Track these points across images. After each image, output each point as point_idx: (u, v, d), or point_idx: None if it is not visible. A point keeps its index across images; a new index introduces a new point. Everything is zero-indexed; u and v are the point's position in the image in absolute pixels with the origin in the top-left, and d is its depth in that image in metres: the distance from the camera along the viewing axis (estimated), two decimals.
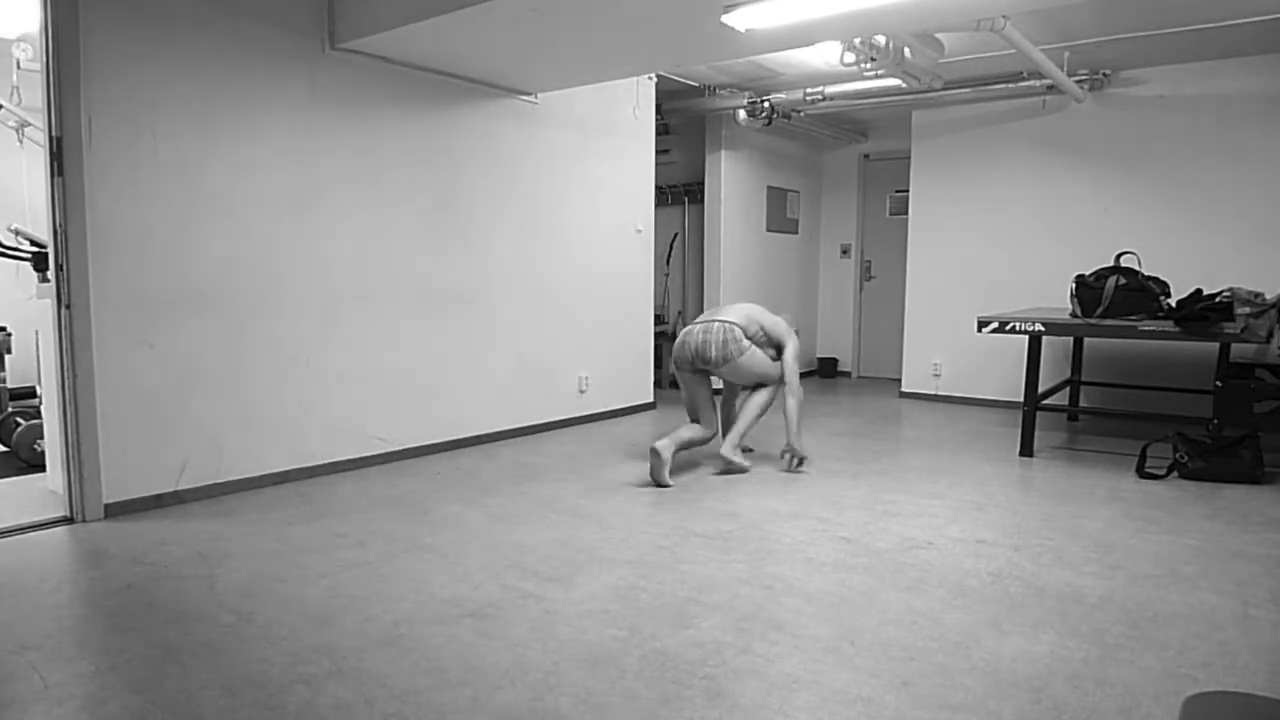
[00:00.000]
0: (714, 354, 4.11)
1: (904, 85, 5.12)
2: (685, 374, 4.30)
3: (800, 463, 4.28)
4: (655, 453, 3.96)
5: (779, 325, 4.34)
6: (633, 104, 5.87)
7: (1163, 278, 4.74)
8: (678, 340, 4.29)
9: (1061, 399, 5.68)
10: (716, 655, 2.24)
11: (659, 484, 3.98)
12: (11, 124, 5.05)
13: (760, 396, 4.25)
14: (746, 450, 4.57)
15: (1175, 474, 4.16)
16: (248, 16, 3.74)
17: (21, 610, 2.53)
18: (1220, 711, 1.33)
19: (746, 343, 4.14)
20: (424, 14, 3.61)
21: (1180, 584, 2.77)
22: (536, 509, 3.62)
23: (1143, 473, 4.19)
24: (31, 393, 5.03)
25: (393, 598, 2.64)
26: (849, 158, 8.01)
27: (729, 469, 4.20)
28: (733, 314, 4.25)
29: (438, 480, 4.13)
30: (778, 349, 4.32)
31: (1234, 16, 4.52)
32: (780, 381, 4.25)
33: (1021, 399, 4.79)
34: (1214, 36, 4.89)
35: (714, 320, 4.21)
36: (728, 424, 4.49)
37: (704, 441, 4.25)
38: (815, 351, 8.29)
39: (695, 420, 4.31)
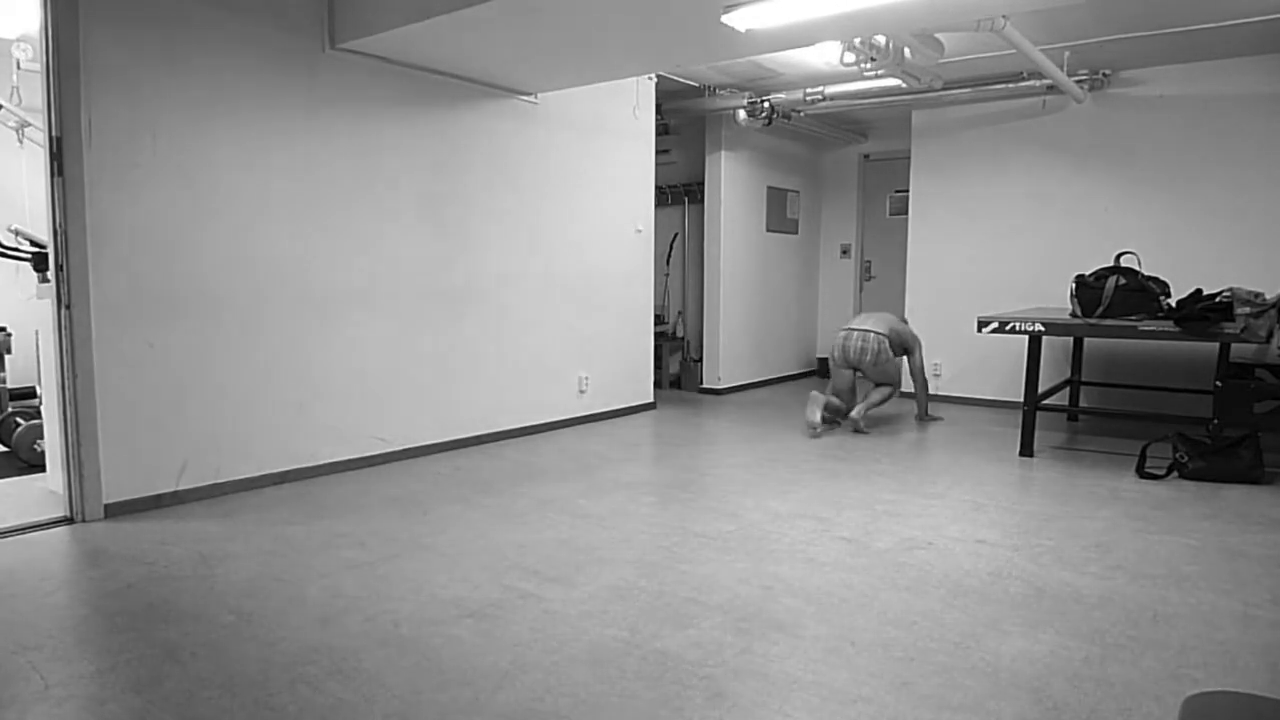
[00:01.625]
0: (868, 360, 5.32)
1: (904, 85, 5.12)
2: (839, 368, 5.50)
3: (931, 420, 5.77)
4: (812, 398, 5.30)
5: (908, 334, 5.55)
6: (633, 104, 5.87)
7: (1163, 278, 4.74)
8: (837, 344, 5.47)
9: (1061, 399, 5.68)
10: (716, 655, 2.24)
11: (810, 424, 5.24)
12: (11, 124, 5.05)
13: (885, 390, 5.45)
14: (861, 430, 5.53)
15: (1175, 474, 4.16)
16: (248, 16, 3.74)
17: (21, 610, 2.53)
18: (1220, 711, 1.33)
19: (890, 353, 5.35)
20: (424, 14, 3.61)
21: (1180, 584, 2.77)
22: (536, 509, 3.62)
23: (1143, 473, 4.19)
24: (31, 393, 5.03)
25: (393, 598, 2.64)
26: (849, 158, 8.01)
27: (856, 429, 5.34)
28: (882, 326, 5.40)
29: (438, 480, 4.13)
30: (905, 352, 5.54)
31: (1234, 16, 4.52)
32: (897, 385, 5.51)
33: (1021, 399, 4.79)
34: (1214, 36, 4.89)
35: (869, 332, 5.35)
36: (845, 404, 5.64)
37: (844, 412, 5.51)
38: (815, 351, 8.30)
39: (838, 397, 5.55)
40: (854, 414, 5.35)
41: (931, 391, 6.69)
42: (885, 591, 2.70)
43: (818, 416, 5.24)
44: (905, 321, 5.70)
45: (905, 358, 5.60)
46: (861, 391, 5.60)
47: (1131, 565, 2.94)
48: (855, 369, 5.45)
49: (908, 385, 5.87)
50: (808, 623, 2.45)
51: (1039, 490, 3.97)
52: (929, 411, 5.85)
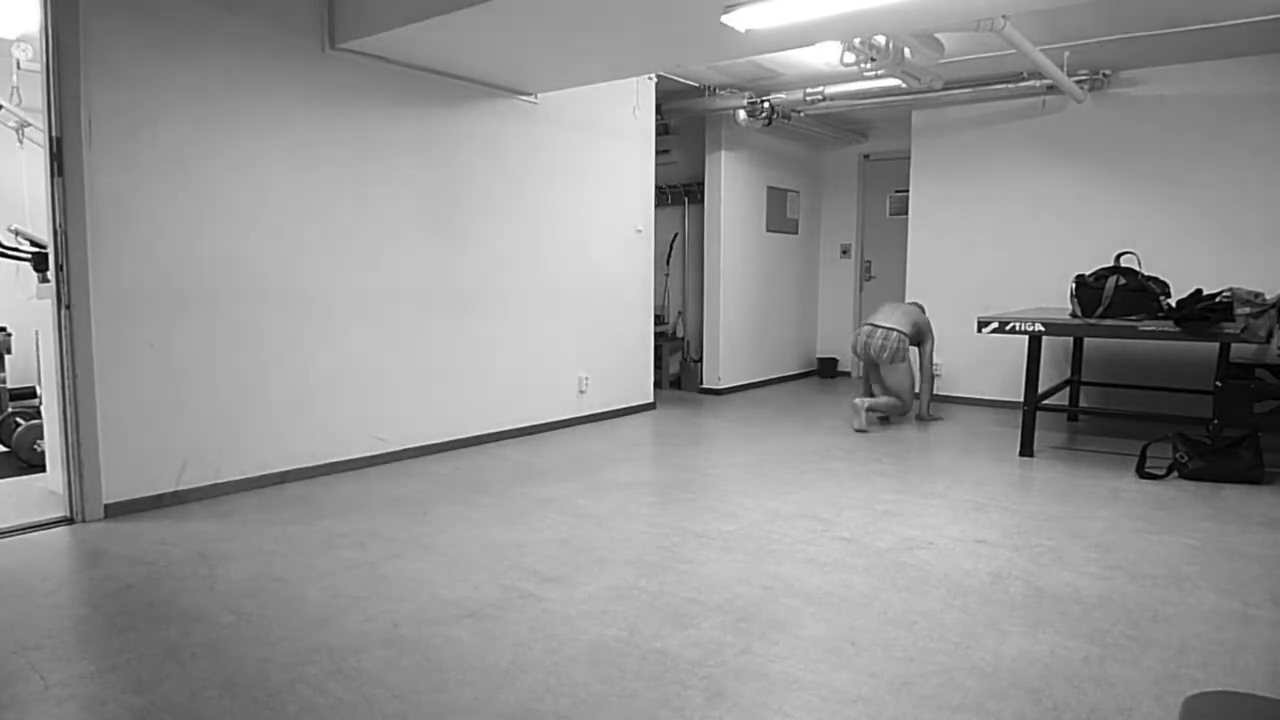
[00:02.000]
0: (885, 356, 5.47)
1: (904, 85, 5.12)
2: (863, 363, 5.75)
3: (932, 420, 5.84)
4: (855, 405, 5.48)
5: (925, 327, 5.68)
6: (633, 104, 5.87)
7: (1163, 278, 4.74)
8: (859, 339, 5.60)
9: (1061, 399, 5.68)
10: (716, 655, 2.24)
11: (857, 430, 5.43)
12: (11, 124, 5.05)
13: (894, 402, 5.56)
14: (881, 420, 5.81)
15: (1175, 474, 4.16)
16: (248, 16, 3.74)
17: (21, 610, 2.53)
18: (1220, 711, 1.33)
19: (905, 352, 5.48)
20: (424, 14, 3.61)
21: (1180, 584, 2.77)
22: (536, 509, 3.62)
23: (1143, 473, 4.19)
24: (31, 393, 5.03)
25: (393, 598, 2.64)
26: (849, 158, 8.01)
27: (857, 421, 5.43)
28: (902, 322, 5.53)
29: (438, 480, 4.13)
30: (918, 343, 5.65)
31: (1234, 16, 4.53)
32: (906, 403, 5.59)
33: (1021, 399, 4.79)
34: (1214, 36, 4.89)
35: (892, 330, 5.48)
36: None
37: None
38: (815, 352, 8.30)
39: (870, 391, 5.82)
40: (857, 401, 5.47)
41: (928, 413, 6.72)
42: (885, 591, 2.70)
43: (863, 422, 5.41)
44: (923, 311, 5.81)
45: (916, 348, 5.71)
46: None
47: (1131, 565, 2.94)
48: (873, 364, 5.63)
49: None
50: (808, 623, 2.45)
51: (1039, 490, 3.97)
52: (930, 411, 5.88)
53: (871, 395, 5.71)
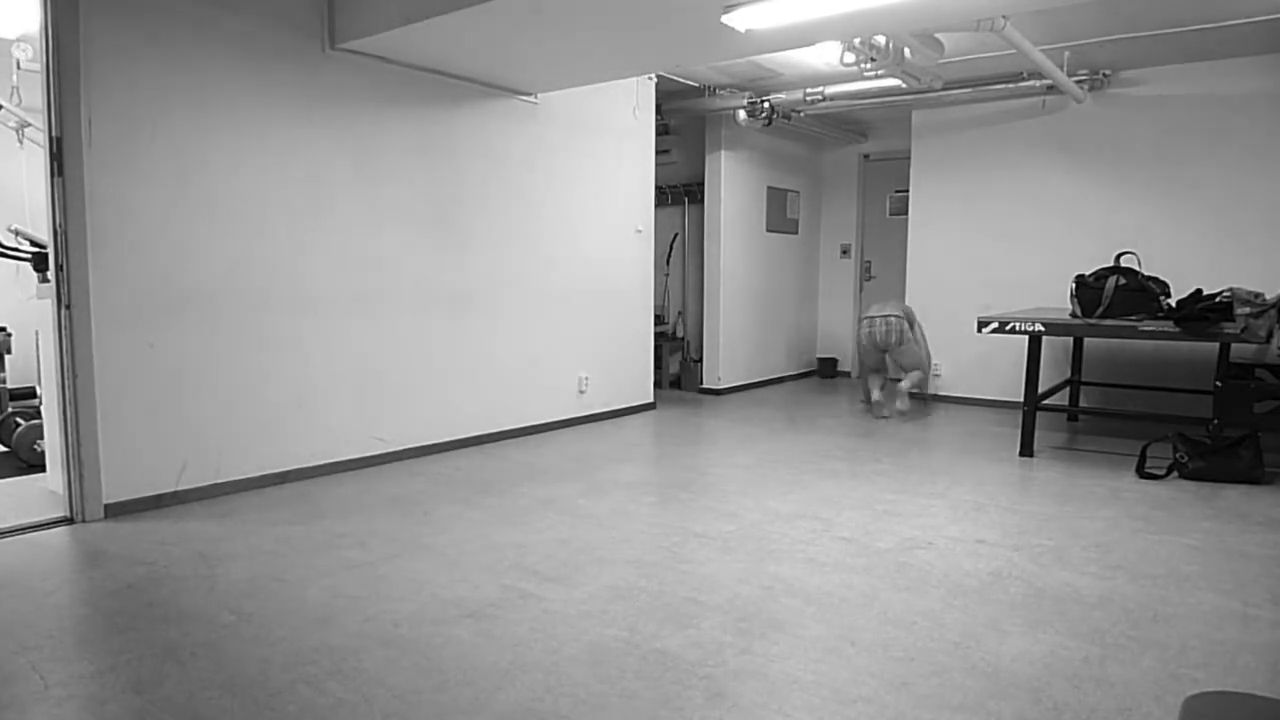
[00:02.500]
0: (893, 340, 5.86)
1: (904, 85, 5.12)
2: (868, 353, 6.05)
3: (924, 400, 6.40)
4: (871, 379, 5.97)
5: (911, 311, 6.22)
6: (633, 104, 5.87)
7: (1163, 278, 4.74)
8: (863, 331, 6.00)
9: (1061, 399, 5.68)
10: (716, 655, 2.24)
11: (875, 403, 5.91)
12: (11, 124, 5.05)
13: (917, 375, 6.00)
14: (899, 412, 6.01)
15: (1175, 474, 4.16)
16: (248, 16, 3.74)
17: (21, 610, 2.53)
18: (1220, 711, 1.33)
19: (909, 333, 5.92)
20: (424, 14, 3.61)
21: (1180, 584, 2.77)
22: (536, 509, 3.62)
23: (1143, 473, 4.19)
24: (31, 393, 5.03)
25: (393, 598, 2.64)
26: (849, 158, 8.01)
27: (901, 403, 5.83)
28: (895, 309, 5.98)
29: (438, 480, 4.13)
30: (911, 323, 6.10)
31: (1234, 16, 4.53)
32: (927, 373, 6.16)
33: (1021, 399, 4.79)
34: (1214, 36, 4.89)
35: (890, 316, 5.90)
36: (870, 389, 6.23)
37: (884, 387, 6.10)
38: (815, 352, 8.30)
39: (878, 374, 6.14)
40: (902, 385, 5.84)
41: (932, 391, 6.75)
42: (885, 591, 2.70)
43: (878, 393, 5.81)
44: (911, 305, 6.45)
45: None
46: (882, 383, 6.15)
47: (1131, 565, 2.94)
48: (884, 352, 5.95)
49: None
50: (808, 623, 2.45)
51: (1039, 490, 3.97)
52: (927, 380, 6.39)
53: (880, 390, 5.93)
